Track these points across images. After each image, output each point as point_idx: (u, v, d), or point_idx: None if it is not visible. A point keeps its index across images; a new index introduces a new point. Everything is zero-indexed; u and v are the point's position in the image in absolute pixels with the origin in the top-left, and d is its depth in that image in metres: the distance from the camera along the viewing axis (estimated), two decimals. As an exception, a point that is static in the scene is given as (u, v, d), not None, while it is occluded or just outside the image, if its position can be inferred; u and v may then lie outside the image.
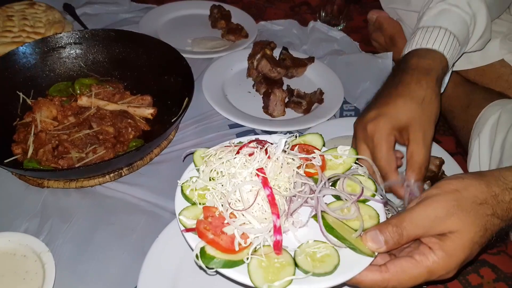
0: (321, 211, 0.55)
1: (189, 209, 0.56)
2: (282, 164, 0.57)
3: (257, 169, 0.54)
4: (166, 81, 0.94)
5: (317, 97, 1.02)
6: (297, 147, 0.63)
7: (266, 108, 0.99)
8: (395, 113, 0.69)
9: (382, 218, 0.57)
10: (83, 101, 0.87)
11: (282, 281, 0.48)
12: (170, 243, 0.65)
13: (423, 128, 0.68)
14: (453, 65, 0.81)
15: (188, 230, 0.53)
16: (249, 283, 0.49)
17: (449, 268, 0.52)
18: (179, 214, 0.55)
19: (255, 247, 0.51)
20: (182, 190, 0.58)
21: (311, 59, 1.11)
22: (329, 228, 0.53)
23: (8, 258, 0.62)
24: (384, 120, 0.68)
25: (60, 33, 0.97)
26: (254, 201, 0.53)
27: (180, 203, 0.57)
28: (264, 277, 0.48)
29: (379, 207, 0.59)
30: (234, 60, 1.14)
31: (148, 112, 0.89)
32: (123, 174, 0.77)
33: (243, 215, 0.53)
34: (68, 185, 0.74)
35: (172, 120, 0.80)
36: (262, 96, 1.02)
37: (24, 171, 0.71)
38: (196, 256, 0.50)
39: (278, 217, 0.52)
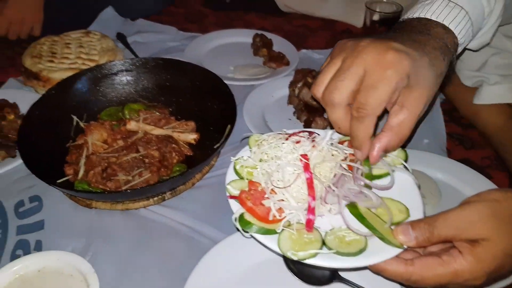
0: (354, 201, 0.59)
1: (236, 181, 0.64)
2: (325, 154, 0.63)
3: (301, 155, 0.61)
4: (209, 107, 0.97)
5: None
6: (346, 142, 0.67)
7: (306, 136, 1.01)
8: (417, 64, 0.59)
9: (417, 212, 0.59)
10: (132, 125, 0.91)
11: (307, 252, 0.53)
12: (210, 271, 0.67)
13: (426, 100, 0.60)
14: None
15: (232, 197, 0.61)
16: (277, 250, 0.55)
17: (476, 274, 0.51)
18: (227, 184, 0.63)
19: (289, 222, 0.57)
20: (234, 166, 0.66)
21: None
22: (360, 218, 0.57)
23: (56, 276, 0.66)
24: (407, 60, 0.57)
25: (113, 61, 1.03)
26: (294, 182, 0.59)
27: (230, 175, 0.65)
28: (291, 247, 0.54)
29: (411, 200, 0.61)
30: (275, 87, 1.16)
31: (192, 137, 0.92)
32: (166, 198, 0.80)
33: (282, 193, 0.59)
34: (114, 207, 0.78)
35: (215, 147, 0.83)
36: (303, 124, 1.03)
37: (75, 192, 0.75)
38: (235, 219, 0.58)
39: (314, 199, 0.57)
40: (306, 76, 1.09)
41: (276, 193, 0.59)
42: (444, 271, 0.51)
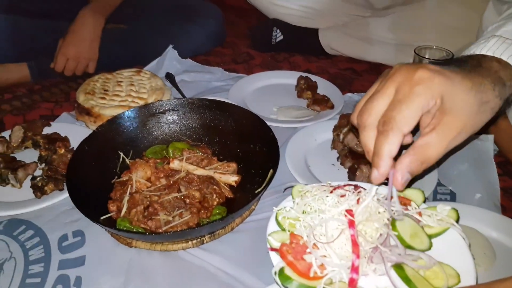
0: (401, 262, 0.56)
1: (278, 233, 0.64)
2: (371, 211, 0.60)
3: (346, 210, 0.59)
4: (251, 150, 0.97)
5: (405, 175, 0.98)
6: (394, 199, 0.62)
7: (349, 183, 0.98)
8: (455, 86, 0.56)
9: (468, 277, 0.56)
10: (175, 164, 0.92)
11: None
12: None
13: (462, 126, 0.56)
14: None
15: (272, 249, 0.61)
16: None
17: None
18: (268, 235, 0.63)
19: (331, 280, 0.55)
20: (276, 216, 0.65)
21: (398, 135, 1.09)
22: (407, 281, 0.53)
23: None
24: (440, 78, 0.55)
25: (161, 100, 1.06)
26: (337, 238, 0.57)
27: (272, 226, 0.65)
28: None
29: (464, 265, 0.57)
30: (318, 130, 1.15)
31: (233, 179, 0.92)
32: (205, 241, 0.79)
33: (325, 249, 0.57)
34: (154, 247, 0.78)
35: (256, 192, 0.82)
36: (347, 170, 1.01)
37: (117, 231, 0.76)
38: (275, 273, 0.57)
39: (358, 257, 0.55)
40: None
41: (318, 248, 0.57)
42: None
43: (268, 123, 1.03)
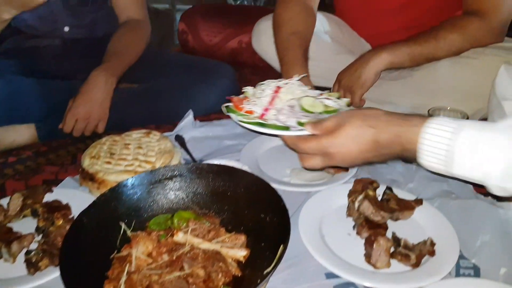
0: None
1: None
2: (293, 91, 1.09)
3: (277, 86, 1.09)
4: (262, 220, 0.91)
5: (428, 248, 0.90)
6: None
7: (368, 257, 0.90)
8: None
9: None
10: (179, 237, 0.86)
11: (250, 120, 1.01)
12: None
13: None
14: None
15: (230, 98, 1.11)
16: (234, 117, 1.06)
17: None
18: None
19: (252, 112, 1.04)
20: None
21: (419, 202, 1.02)
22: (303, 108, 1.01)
23: None
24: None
25: (167, 166, 1.01)
26: (265, 96, 1.06)
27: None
28: (245, 118, 1.03)
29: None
30: (333, 195, 1.08)
31: (241, 254, 0.85)
32: (207, 329, 0.71)
33: (255, 101, 1.06)
34: (150, 337, 0.70)
35: (265, 272, 0.75)
36: (364, 241, 0.93)
37: (110, 318, 0.69)
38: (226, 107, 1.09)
39: (270, 105, 1.03)
40: (366, 188, 1.01)
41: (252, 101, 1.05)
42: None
43: (281, 187, 1.00)
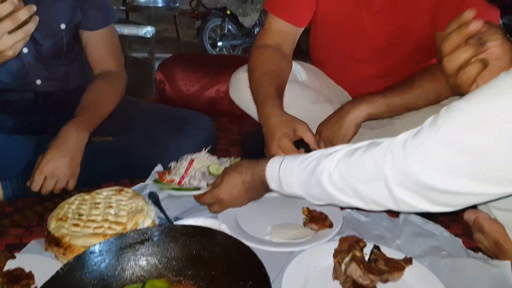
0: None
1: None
2: (204, 162, 1.40)
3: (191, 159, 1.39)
4: (241, 287, 0.84)
5: (420, 313, 0.84)
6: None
7: (357, 325, 0.83)
8: None
9: None
10: (150, 310, 0.78)
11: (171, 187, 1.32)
12: None
13: None
14: None
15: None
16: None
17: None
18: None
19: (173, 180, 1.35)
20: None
21: (408, 261, 0.96)
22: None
23: None
24: None
25: (140, 228, 0.95)
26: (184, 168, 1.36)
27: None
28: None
29: None
30: (318, 255, 1.02)
31: (219, 328, 0.77)
32: None
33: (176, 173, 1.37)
34: None
35: None
36: (352, 308, 0.86)
37: None
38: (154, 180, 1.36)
39: (185, 174, 1.34)
40: (353, 248, 0.96)
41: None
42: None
43: (262, 247, 0.96)
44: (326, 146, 1.42)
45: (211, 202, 1.18)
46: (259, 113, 1.37)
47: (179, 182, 1.29)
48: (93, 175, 1.40)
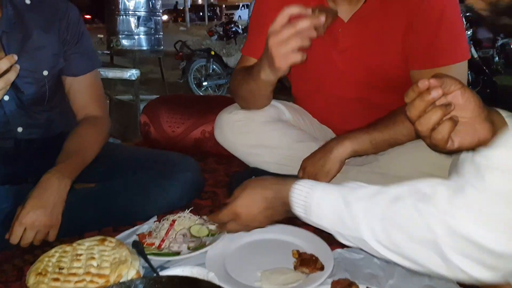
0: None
1: None
2: (185, 223, 1.33)
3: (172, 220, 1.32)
4: None
5: None
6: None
7: None
8: None
9: None
10: None
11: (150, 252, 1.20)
12: None
13: None
14: None
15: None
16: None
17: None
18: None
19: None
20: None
21: (402, 303, 0.94)
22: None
23: None
24: None
25: (123, 281, 0.90)
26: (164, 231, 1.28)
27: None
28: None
29: None
30: (310, 301, 0.99)
31: None
32: None
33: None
34: None
35: None
36: None
37: None
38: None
39: (166, 236, 1.26)
40: (346, 292, 0.93)
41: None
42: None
43: None
44: None
45: (228, 219, 1.10)
46: (255, 77, 1.38)
47: (159, 246, 1.22)
48: (75, 224, 1.35)
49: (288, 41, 1.15)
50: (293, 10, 1.15)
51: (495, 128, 0.86)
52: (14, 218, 1.25)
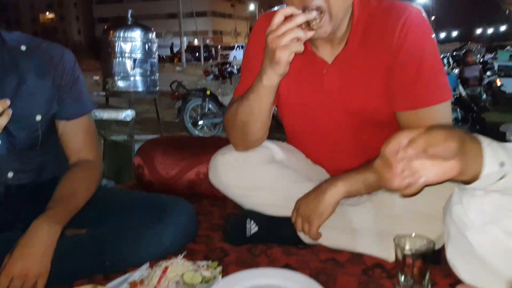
0: None
1: None
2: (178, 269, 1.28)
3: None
4: None
5: None
6: None
7: None
8: None
9: None
10: None
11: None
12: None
13: None
14: None
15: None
16: None
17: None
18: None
19: None
20: None
21: None
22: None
23: None
24: None
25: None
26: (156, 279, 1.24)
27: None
28: None
29: None
30: None
31: None
32: None
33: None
34: None
35: None
36: None
37: None
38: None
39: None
40: None
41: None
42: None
43: None
44: (302, 223, 1.41)
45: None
46: (255, 88, 1.37)
47: None
48: (65, 273, 1.31)
49: (285, 33, 1.21)
50: (288, 10, 1.23)
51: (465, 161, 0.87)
52: (1, 267, 1.21)
